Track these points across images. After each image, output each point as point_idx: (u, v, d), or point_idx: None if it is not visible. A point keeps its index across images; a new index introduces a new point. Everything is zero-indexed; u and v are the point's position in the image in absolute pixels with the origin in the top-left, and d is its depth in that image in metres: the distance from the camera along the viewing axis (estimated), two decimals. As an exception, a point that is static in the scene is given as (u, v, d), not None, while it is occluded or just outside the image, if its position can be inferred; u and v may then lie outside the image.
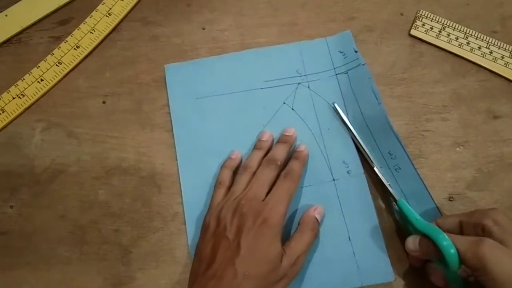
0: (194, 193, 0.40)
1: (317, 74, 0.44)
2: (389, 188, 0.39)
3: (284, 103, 0.43)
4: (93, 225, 0.40)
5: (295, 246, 0.35)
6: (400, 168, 0.40)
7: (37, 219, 0.40)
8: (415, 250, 0.35)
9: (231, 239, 0.33)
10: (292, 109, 0.43)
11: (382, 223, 0.39)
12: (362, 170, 0.40)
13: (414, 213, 0.36)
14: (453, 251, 0.31)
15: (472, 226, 0.34)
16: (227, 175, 0.39)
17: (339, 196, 0.40)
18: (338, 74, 0.44)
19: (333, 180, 0.40)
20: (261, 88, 0.44)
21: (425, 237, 0.34)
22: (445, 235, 0.32)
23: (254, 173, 0.38)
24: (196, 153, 0.42)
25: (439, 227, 0.35)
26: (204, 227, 0.36)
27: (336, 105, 0.43)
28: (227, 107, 0.43)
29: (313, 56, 0.45)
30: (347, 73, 0.44)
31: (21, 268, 0.39)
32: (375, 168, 0.40)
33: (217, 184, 0.39)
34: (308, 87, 0.44)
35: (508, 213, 0.36)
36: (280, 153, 0.39)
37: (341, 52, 0.45)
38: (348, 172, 0.40)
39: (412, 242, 0.35)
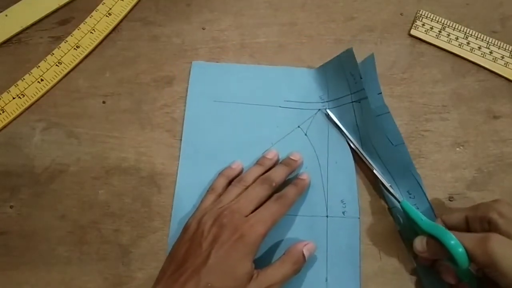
0: (186, 193, 0.40)
1: (337, 100, 0.43)
2: (391, 190, 0.38)
3: (298, 126, 0.43)
4: (93, 225, 0.40)
5: (270, 273, 0.33)
6: (418, 208, 0.39)
7: (37, 219, 0.40)
8: (423, 251, 0.35)
9: (204, 248, 0.33)
10: (305, 134, 0.42)
11: (384, 227, 0.39)
12: (357, 215, 0.39)
13: (418, 214, 0.36)
14: (461, 249, 0.31)
15: (478, 220, 0.34)
16: (221, 183, 0.39)
17: (328, 234, 0.39)
18: (354, 101, 0.42)
19: (327, 216, 0.39)
20: (280, 107, 0.43)
21: (432, 238, 0.34)
22: (452, 234, 0.32)
23: (248, 187, 0.37)
24: (200, 154, 0.42)
25: (445, 223, 0.35)
26: (185, 228, 0.36)
27: (328, 111, 0.42)
28: (242, 117, 0.43)
29: (334, 80, 0.44)
30: (360, 102, 0.42)
31: (21, 268, 0.38)
32: (374, 171, 0.40)
33: (209, 189, 0.39)
34: (327, 114, 0.43)
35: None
36: (278, 174, 0.38)
37: (352, 75, 0.42)
38: (343, 212, 0.39)
39: (419, 243, 0.35)
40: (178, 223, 0.39)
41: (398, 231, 0.39)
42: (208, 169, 0.41)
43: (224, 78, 0.45)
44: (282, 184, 0.38)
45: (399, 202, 0.38)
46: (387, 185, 0.39)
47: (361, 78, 0.41)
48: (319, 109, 0.43)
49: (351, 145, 0.41)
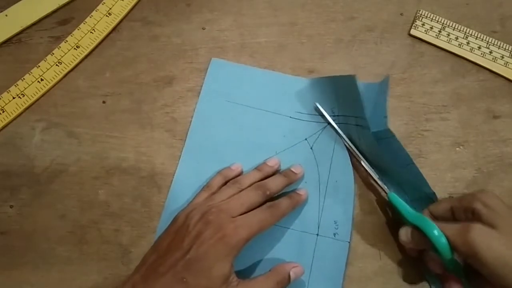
0: (182, 188, 0.40)
1: (344, 117, 0.42)
2: (379, 182, 0.39)
3: (305, 139, 0.42)
4: (93, 225, 0.40)
5: (251, 287, 0.33)
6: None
7: (37, 219, 0.40)
8: (408, 241, 0.35)
9: (185, 242, 0.33)
10: (311, 148, 0.42)
11: (383, 227, 0.40)
12: (348, 239, 0.38)
13: (405, 206, 0.36)
14: (443, 240, 0.32)
15: (463, 211, 0.34)
16: (217, 182, 0.39)
17: (315, 253, 0.38)
18: (357, 125, 0.41)
19: (317, 235, 0.39)
20: (290, 117, 0.43)
21: (417, 229, 0.34)
22: (435, 225, 0.33)
23: (242, 191, 0.37)
24: (202, 151, 0.42)
25: (431, 213, 0.36)
26: (173, 221, 0.36)
27: (317, 104, 0.42)
28: (251, 121, 0.43)
29: (342, 97, 0.42)
30: (362, 127, 0.40)
31: (21, 268, 0.38)
32: (362, 163, 0.40)
33: (205, 186, 0.39)
34: (337, 129, 0.41)
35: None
36: (275, 184, 0.38)
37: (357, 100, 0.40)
38: (334, 234, 0.39)
39: (404, 234, 0.36)
40: (169, 215, 0.38)
41: (385, 222, 0.39)
42: (208, 166, 0.41)
43: (241, 79, 0.45)
44: (279, 195, 0.38)
45: (386, 194, 0.38)
46: (375, 177, 0.39)
47: (363, 109, 0.40)
48: (329, 123, 0.42)
49: (345, 143, 0.41)
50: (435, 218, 0.36)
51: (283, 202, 0.37)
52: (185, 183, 0.41)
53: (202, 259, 0.32)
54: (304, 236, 0.39)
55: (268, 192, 0.37)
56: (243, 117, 0.43)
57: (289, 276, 0.34)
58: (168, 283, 0.31)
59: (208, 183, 0.39)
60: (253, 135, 0.42)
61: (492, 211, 0.32)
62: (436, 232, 0.32)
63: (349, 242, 0.39)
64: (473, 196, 0.34)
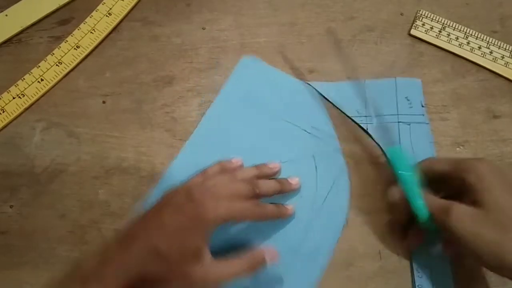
0: (176, 177, 0.39)
1: (379, 117, 0.42)
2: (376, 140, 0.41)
3: (312, 156, 0.41)
4: (93, 225, 0.40)
5: (222, 267, 0.33)
6: None
7: (37, 219, 0.40)
8: (394, 200, 0.37)
9: (165, 212, 0.33)
10: (315, 167, 0.41)
11: (383, 226, 0.40)
12: (325, 267, 0.37)
13: (403, 164, 0.37)
14: (426, 215, 0.34)
15: (458, 178, 0.34)
16: (214, 170, 0.38)
17: (289, 271, 0.37)
18: (400, 122, 0.42)
19: (295, 252, 0.38)
20: (305, 130, 0.42)
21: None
22: (421, 200, 0.34)
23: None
24: (208, 144, 0.42)
25: (430, 166, 0.37)
26: (162, 196, 0.35)
27: (311, 83, 0.43)
28: (263, 127, 0.42)
29: (382, 97, 0.43)
30: (409, 124, 0.42)
31: (21, 268, 0.38)
32: (361, 124, 0.42)
33: (201, 171, 0.38)
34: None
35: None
36: (267, 186, 0.37)
37: (408, 100, 0.42)
38: (313, 258, 0.38)
39: (391, 195, 0.37)
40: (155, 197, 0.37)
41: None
42: (208, 162, 0.40)
43: (266, 82, 0.44)
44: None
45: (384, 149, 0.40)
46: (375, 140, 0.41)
47: (422, 106, 0.42)
48: (321, 95, 0.43)
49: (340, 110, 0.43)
50: (433, 171, 0.36)
51: (269, 207, 0.37)
52: (180, 174, 0.39)
53: (177, 229, 0.32)
54: (284, 250, 0.36)
55: (257, 190, 0.36)
56: (256, 121, 0.43)
57: (264, 259, 0.34)
58: (140, 249, 0.31)
59: (204, 169, 0.38)
60: (261, 142, 0.42)
61: (483, 187, 0.32)
62: (420, 206, 0.34)
63: (323, 270, 0.38)
64: (470, 166, 0.34)
